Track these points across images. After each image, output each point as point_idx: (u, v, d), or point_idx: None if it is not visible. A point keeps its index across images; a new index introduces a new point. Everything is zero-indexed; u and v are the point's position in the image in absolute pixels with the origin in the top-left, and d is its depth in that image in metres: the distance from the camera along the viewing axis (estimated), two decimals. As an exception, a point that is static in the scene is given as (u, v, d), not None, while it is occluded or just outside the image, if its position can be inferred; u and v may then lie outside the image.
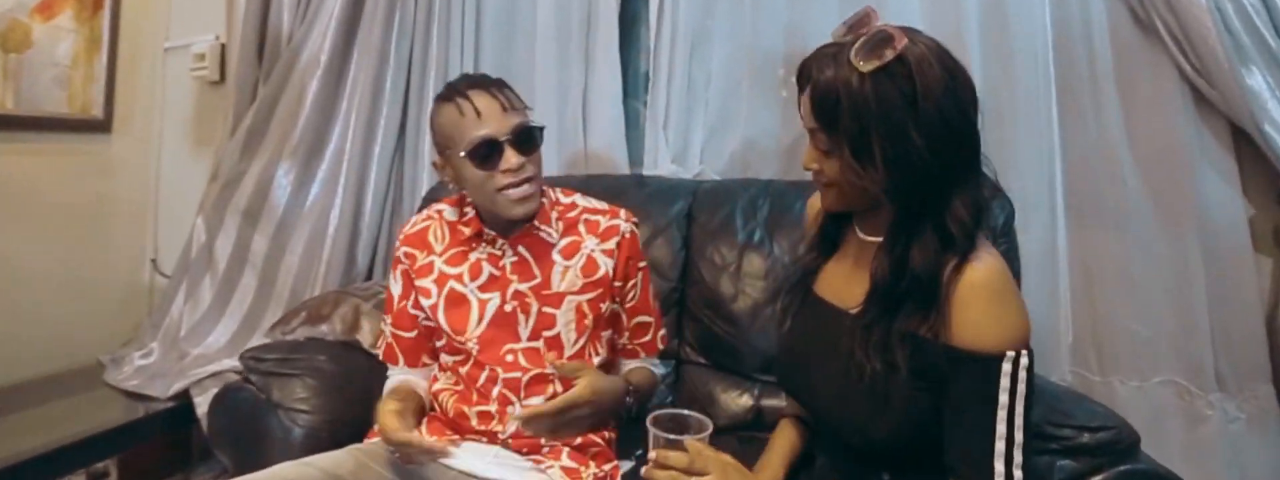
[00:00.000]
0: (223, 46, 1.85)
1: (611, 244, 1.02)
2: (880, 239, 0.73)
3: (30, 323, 1.61)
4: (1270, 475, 1.22)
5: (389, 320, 1.05)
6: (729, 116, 1.55)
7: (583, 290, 0.99)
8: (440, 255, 1.02)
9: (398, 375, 1.05)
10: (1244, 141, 1.28)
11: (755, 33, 1.51)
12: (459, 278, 1.00)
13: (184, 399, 1.41)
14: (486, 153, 0.92)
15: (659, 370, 1.12)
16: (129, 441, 1.40)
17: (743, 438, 1.08)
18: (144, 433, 1.40)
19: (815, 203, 0.89)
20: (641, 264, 1.07)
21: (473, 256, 1.00)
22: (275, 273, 1.62)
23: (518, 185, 0.93)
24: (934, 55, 0.66)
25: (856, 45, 0.66)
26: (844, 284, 0.79)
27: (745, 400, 1.19)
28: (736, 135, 1.53)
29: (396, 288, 1.05)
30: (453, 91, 0.95)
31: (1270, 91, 1.20)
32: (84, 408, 1.41)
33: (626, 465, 0.98)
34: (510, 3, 1.65)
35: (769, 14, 1.50)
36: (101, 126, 1.82)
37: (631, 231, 1.05)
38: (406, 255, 1.03)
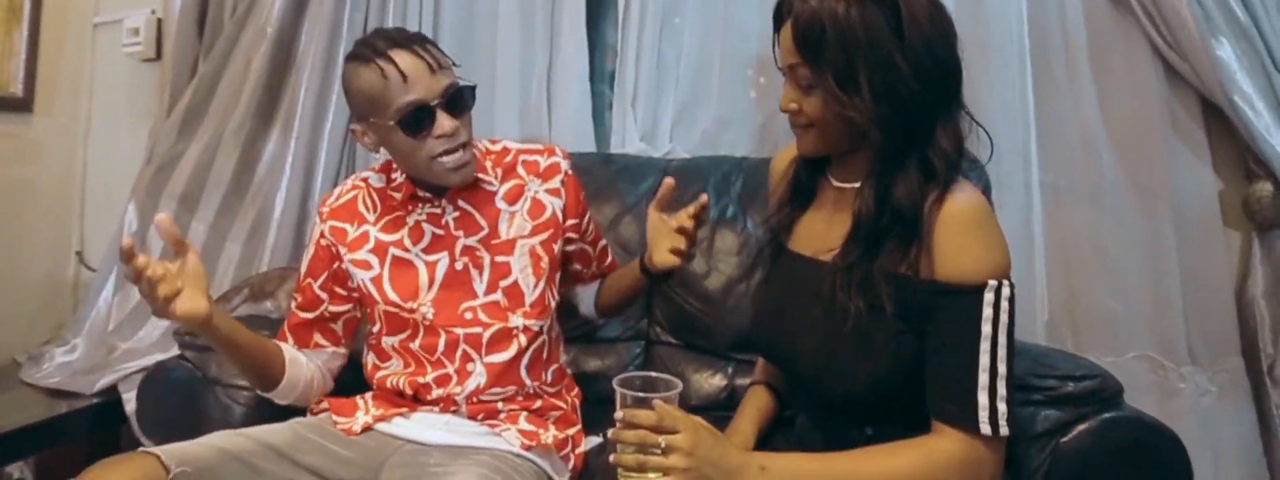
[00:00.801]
0: (159, 21, 1.75)
1: (555, 183, 1.01)
2: (856, 184, 0.73)
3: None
4: (1240, 446, 1.25)
5: (297, 299, 1.00)
6: (700, 94, 1.53)
7: (533, 233, 0.98)
8: (375, 225, 0.97)
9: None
10: (1213, 117, 1.32)
11: (728, 9, 1.51)
12: (399, 244, 0.96)
13: (111, 396, 1.33)
14: (417, 119, 0.87)
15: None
16: (48, 442, 1.30)
17: (717, 418, 1.04)
18: (65, 432, 1.30)
19: (781, 160, 0.89)
20: (584, 200, 1.06)
21: (410, 220, 0.97)
22: (215, 261, 1.54)
23: (453, 152, 0.89)
24: None
25: None
26: (820, 235, 0.77)
27: (718, 379, 1.17)
28: (708, 113, 1.52)
29: (305, 260, 1.00)
30: (372, 51, 0.88)
31: (1238, 63, 1.24)
32: (-3, 408, 1.31)
33: (595, 441, 0.95)
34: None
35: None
36: (21, 105, 1.71)
37: (569, 166, 1.03)
38: (333, 231, 0.98)
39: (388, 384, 0.95)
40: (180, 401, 0.97)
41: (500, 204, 0.98)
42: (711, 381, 1.16)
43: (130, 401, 1.30)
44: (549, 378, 0.99)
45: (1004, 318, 0.65)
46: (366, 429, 0.92)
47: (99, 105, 1.81)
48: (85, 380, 1.37)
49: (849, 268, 0.70)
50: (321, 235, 0.98)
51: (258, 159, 1.56)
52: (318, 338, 1.00)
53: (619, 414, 0.65)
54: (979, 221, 0.67)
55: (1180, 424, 1.27)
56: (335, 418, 0.93)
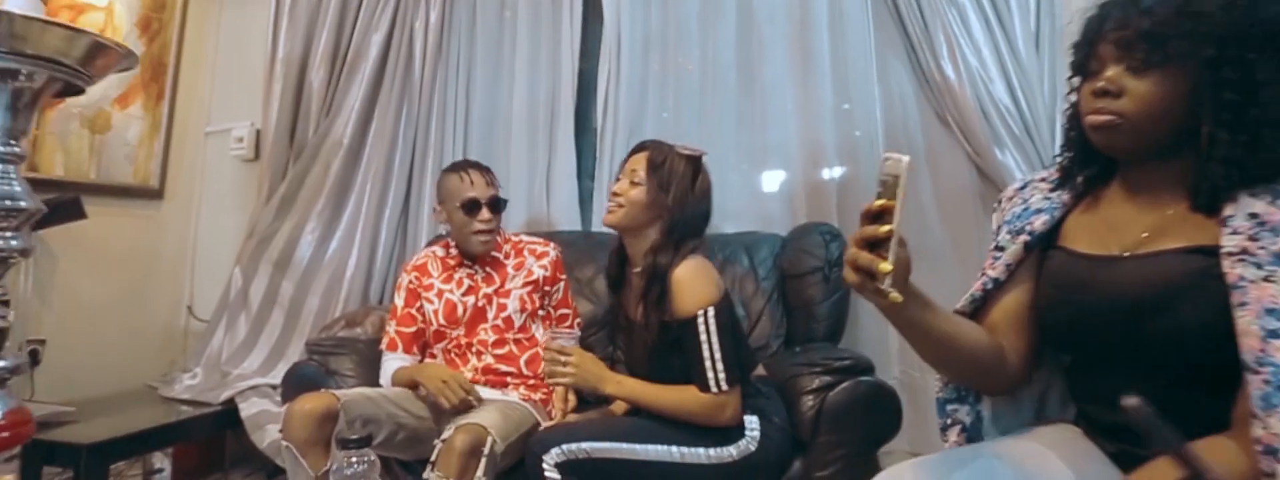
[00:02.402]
0: (258, 131, 2.48)
1: (545, 262, 1.70)
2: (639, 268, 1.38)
3: (91, 351, 2.12)
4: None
5: (393, 323, 1.65)
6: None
7: (523, 286, 1.66)
8: (437, 278, 1.67)
9: (395, 362, 1.61)
10: (1014, 202, 1.96)
11: (677, 128, 2.18)
12: (450, 290, 1.65)
13: (229, 405, 1.92)
14: (470, 207, 1.59)
15: (571, 340, 1.78)
16: (182, 437, 1.89)
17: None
18: (196, 430, 1.90)
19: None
20: (562, 276, 1.75)
21: (457, 276, 1.66)
22: (299, 311, 2.18)
23: (484, 233, 1.61)
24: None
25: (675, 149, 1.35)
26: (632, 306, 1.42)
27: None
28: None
29: (400, 300, 1.67)
30: (460, 167, 1.66)
31: (1017, 163, 1.88)
32: (147, 411, 1.90)
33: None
34: (492, 100, 2.32)
35: (685, 117, 2.18)
36: (155, 194, 2.41)
37: (557, 254, 1.73)
38: (415, 279, 1.67)
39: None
40: (310, 384, 1.56)
41: (509, 271, 1.68)
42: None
43: (244, 410, 1.90)
44: (526, 360, 1.64)
45: (712, 327, 1.26)
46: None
47: (210, 194, 2.51)
48: (211, 395, 1.97)
49: (645, 325, 1.35)
50: (410, 281, 1.67)
51: (333, 235, 2.23)
52: (413, 347, 1.65)
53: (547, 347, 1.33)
54: (689, 279, 1.29)
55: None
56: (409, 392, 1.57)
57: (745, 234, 1.99)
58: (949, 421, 0.93)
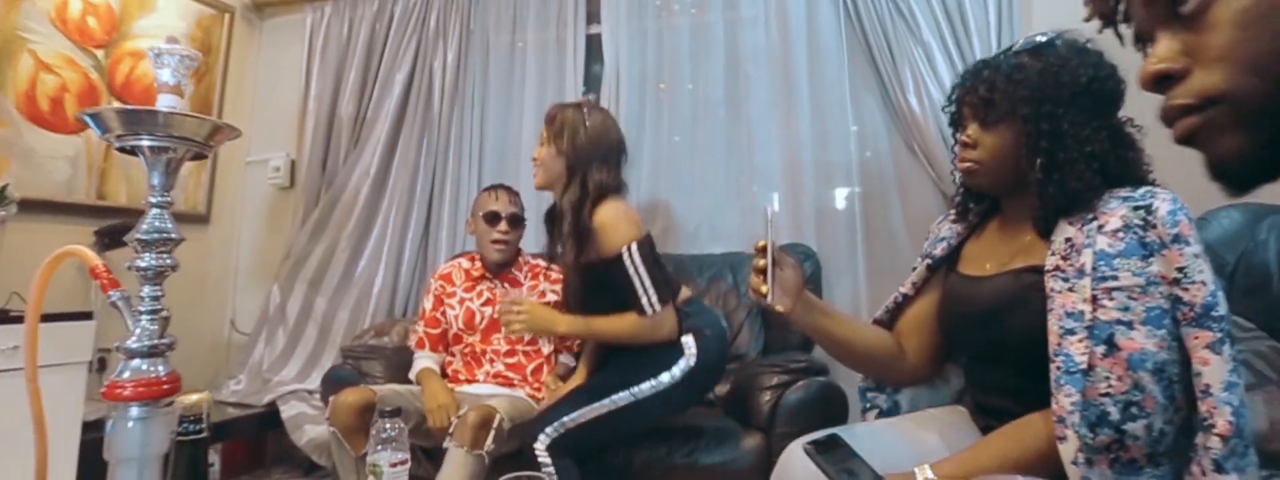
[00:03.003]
0: (293, 161, 2.79)
1: (559, 286, 1.91)
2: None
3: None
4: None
5: (422, 324, 1.91)
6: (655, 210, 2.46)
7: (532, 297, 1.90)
8: (460, 287, 1.93)
9: (424, 360, 1.87)
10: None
11: (671, 153, 2.45)
12: (471, 300, 1.91)
13: (271, 409, 2.20)
14: (491, 218, 1.87)
15: (572, 363, 1.96)
16: (233, 434, 2.17)
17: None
18: (244, 430, 2.18)
19: None
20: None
21: (478, 288, 1.92)
22: (331, 325, 2.46)
23: (501, 243, 1.87)
24: None
25: None
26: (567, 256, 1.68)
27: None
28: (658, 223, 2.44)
29: (428, 304, 1.94)
30: (492, 187, 1.95)
31: (974, 193, 2.12)
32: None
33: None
34: (503, 132, 2.60)
35: (679, 146, 2.44)
36: (202, 219, 2.72)
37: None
38: (440, 286, 1.94)
39: (452, 370, 1.87)
40: (347, 384, 1.83)
41: (525, 289, 1.93)
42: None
43: (285, 411, 2.18)
44: (531, 369, 1.88)
45: (639, 258, 1.48)
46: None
47: (250, 219, 2.81)
48: (254, 398, 2.25)
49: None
50: (437, 288, 1.93)
51: (361, 255, 2.51)
52: (439, 346, 1.91)
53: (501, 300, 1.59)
54: (610, 221, 1.51)
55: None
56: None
57: (730, 254, 2.25)
58: (868, 405, 1.18)
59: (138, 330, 0.81)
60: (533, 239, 2.24)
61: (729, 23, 2.46)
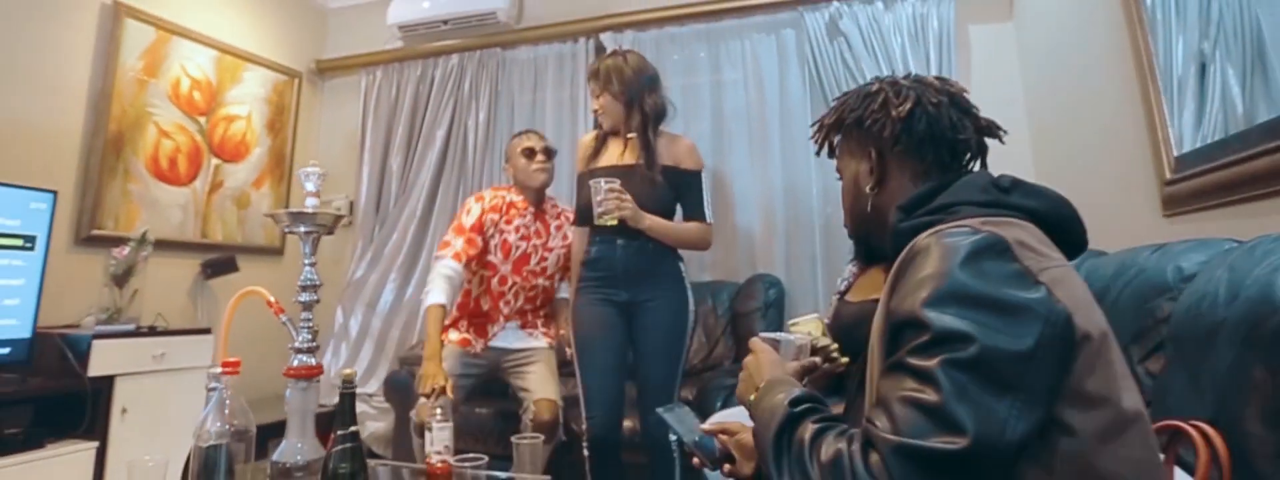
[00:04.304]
0: (351, 202, 3.48)
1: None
2: None
3: (244, 367, 3.10)
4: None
5: (457, 235, 2.21)
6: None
7: (562, 245, 2.35)
8: (502, 217, 2.28)
9: (445, 267, 2.16)
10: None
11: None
12: (509, 232, 2.27)
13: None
14: (528, 153, 2.27)
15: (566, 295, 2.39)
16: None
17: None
18: (318, 423, 2.83)
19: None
20: None
21: (515, 222, 2.28)
22: (385, 341, 3.12)
23: (541, 170, 2.25)
24: None
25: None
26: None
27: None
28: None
29: (469, 219, 2.24)
30: (523, 133, 2.36)
31: (912, 231, 2.66)
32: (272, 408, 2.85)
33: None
34: (526, 178, 3.24)
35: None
36: (278, 252, 3.42)
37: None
38: (491, 207, 2.28)
39: (482, 306, 2.33)
40: (403, 387, 2.46)
41: (552, 230, 2.33)
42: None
43: (350, 411, 2.82)
44: (542, 303, 2.38)
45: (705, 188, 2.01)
46: (485, 349, 2.30)
47: (326, 254, 3.50)
48: (325, 399, 2.90)
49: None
50: (483, 207, 2.26)
51: (410, 283, 3.17)
52: (471, 260, 2.22)
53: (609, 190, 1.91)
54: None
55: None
56: (465, 350, 2.30)
57: (714, 282, 2.83)
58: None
59: (299, 338, 1.45)
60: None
61: (714, 84, 3.06)
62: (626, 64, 2.01)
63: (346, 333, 3.15)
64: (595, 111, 2.09)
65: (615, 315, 2.00)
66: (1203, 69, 1.67)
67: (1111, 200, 2.06)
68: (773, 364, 1.01)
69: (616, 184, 1.90)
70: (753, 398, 0.94)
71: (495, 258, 2.28)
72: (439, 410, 1.60)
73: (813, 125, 1.13)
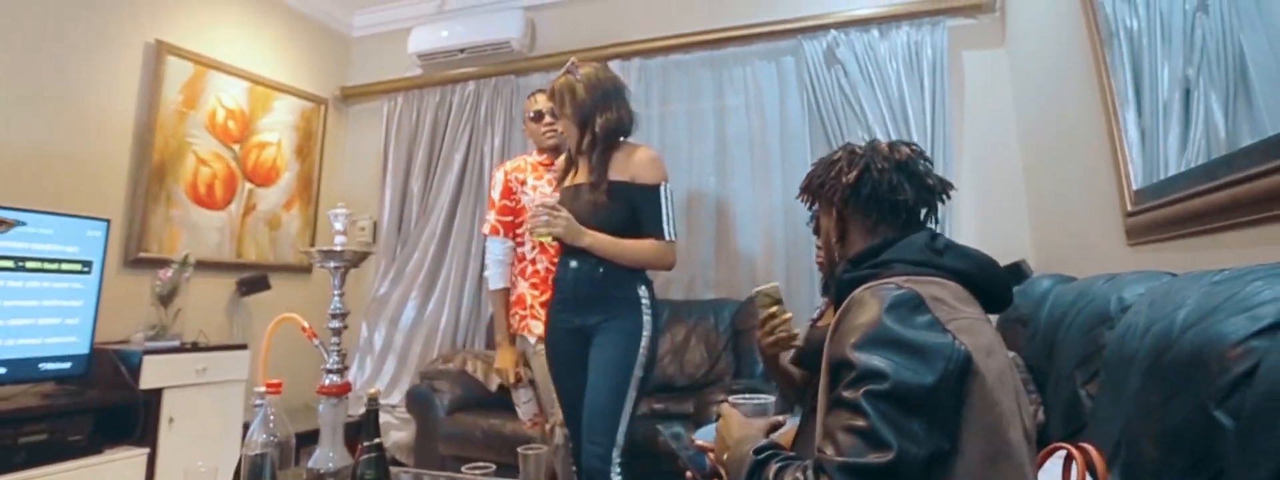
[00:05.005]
0: (375, 223, 3.73)
1: None
2: None
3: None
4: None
5: (494, 213, 2.26)
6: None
7: None
8: (530, 175, 2.27)
9: (497, 245, 2.24)
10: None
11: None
12: (540, 187, 2.24)
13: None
14: (536, 117, 2.26)
15: None
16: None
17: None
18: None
19: None
20: None
21: (547, 176, 2.25)
22: (407, 355, 3.35)
23: (550, 131, 2.24)
24: None
25: None
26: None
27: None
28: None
29: (496, 194, 2.28)
30: (533, 93, 2.34)
31: (906, 252, 2.82)
32: (312, 418, 3.10)
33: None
34: (539, 199, 3.47)
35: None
36: (307, 271, 3.68)
37: None
38: (514, 168, 2.30)
39: (529, 273, 2.24)
40: (424, 401, 2.69)
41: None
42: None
43: (374, 421, 3.06)
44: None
45: (668, 196, 1.86)
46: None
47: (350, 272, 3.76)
48: (353, 410, 3.15)
49: None
50: (505, 178, 2.28)
51: (429, 300, 3.40)
52: (507, 232, 2.24)
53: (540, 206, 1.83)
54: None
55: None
56: (530, 336, 2.21)
57: (716, 300, 3.01)
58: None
59: (330, 360, 1.67)
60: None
61: (717, 110, 3.25)
62: (578, 83, 1.90)
63: (371, 347, 3.39)
64: (555, 132, 2.19)
65: (577, 345, 1.93)
66: (1187, 94, 1.73)
67: (1086, 226, 2.21)
68: (741, 424, 1.17)
69: (550, 201, 1.86)
70: (726, 457, 1.12)
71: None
72: (522, 392, 1.80)
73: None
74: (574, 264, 1.90)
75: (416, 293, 3.40)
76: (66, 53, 2.75)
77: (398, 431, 3.07)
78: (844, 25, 3.00)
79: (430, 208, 3.48)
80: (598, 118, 1.88)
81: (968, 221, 2.89)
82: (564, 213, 1.82)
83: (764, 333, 1.55)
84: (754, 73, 3.18)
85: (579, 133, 1.91)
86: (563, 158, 2.08)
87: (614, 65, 3.33)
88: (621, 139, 1.96)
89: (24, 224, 2.28)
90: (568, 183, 1.99)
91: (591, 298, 1.88)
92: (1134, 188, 1.90)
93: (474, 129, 3.51)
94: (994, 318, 1.16)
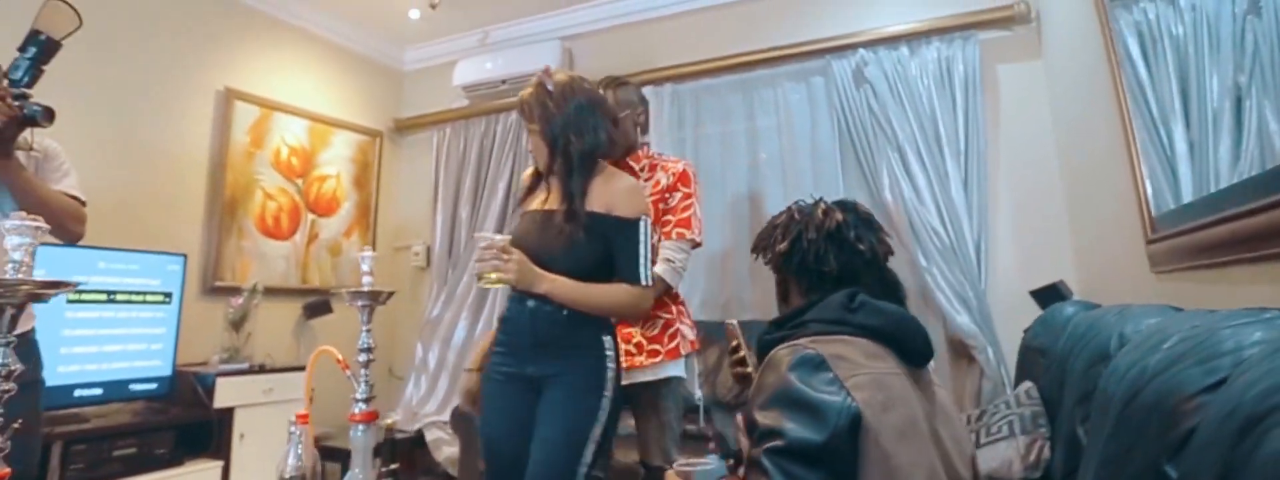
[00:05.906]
0: (428, 248, 3.96)
1: (672, 171, 2.07)
2: None
3: (338, 398, 3.63)
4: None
5: None
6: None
7: (649, 194, 2.00)
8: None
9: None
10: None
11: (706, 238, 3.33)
12: None
13: (419, 434, 3.30)
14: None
15: (680, 252, 2.08)
16: (394, 450, 3.29)
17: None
18: (402, 447, 3.29)
19: None
20: (685, 188, 2.08)
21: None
22: (459, 374, 3.55)
23: None
24: None
25: None
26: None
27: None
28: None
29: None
30: None
31: (940, 271, 2.79)
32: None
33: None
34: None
35: (710, 233, 3.32)
36: (367, 294, 3.94)
37: (686, 167, 2.10)
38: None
39: None
40: (467, 420, 2.86)
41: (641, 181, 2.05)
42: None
43: (428, 436, 3.26)
44: None
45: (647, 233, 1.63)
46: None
47: (399, 293, 4.01)
48: (407, 425, 3.36)
49: None
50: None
51: (479, 320, 3.60)
52: None
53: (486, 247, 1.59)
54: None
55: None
56: None
57: (750, 322, 3.07)
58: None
59: (360, 390, 1.84)
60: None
61: (749, 132, 3.30)
62: (548, 95, 1.65)
63: (426, 365, 3.61)
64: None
65: (521, 394, 1.68)
66: (1239, 103, 1.64)
67: (1117, 251, 2.15)
68: None
69: (497, 239, 1.60)
70: None
71: None
72: None
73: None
74: (532, 304, 1.65)
75: (466, 313, 3.59)
76: (147, 103, 3.07)
77: (449, 447, 3.26)
78: (872, 44, 3.00)
79: (477, 232, 3.67)
80: (572, 137, 1.62)
81: (1005, 241, 2.84)
82: (516, 254, 1.57)
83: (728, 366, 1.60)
84: (784, 94, 3.22)
85: (549, 150, 1.65)
86: (529, 173, 1.84)
87: (647, 91, 3.43)
88: (602, 162, 1.71)
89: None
90: (534, 206, 1.75)
91: (550, 344, 1.63)
92: (1152, 213, 1.86)
93: (516, 157, 3.68)
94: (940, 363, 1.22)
